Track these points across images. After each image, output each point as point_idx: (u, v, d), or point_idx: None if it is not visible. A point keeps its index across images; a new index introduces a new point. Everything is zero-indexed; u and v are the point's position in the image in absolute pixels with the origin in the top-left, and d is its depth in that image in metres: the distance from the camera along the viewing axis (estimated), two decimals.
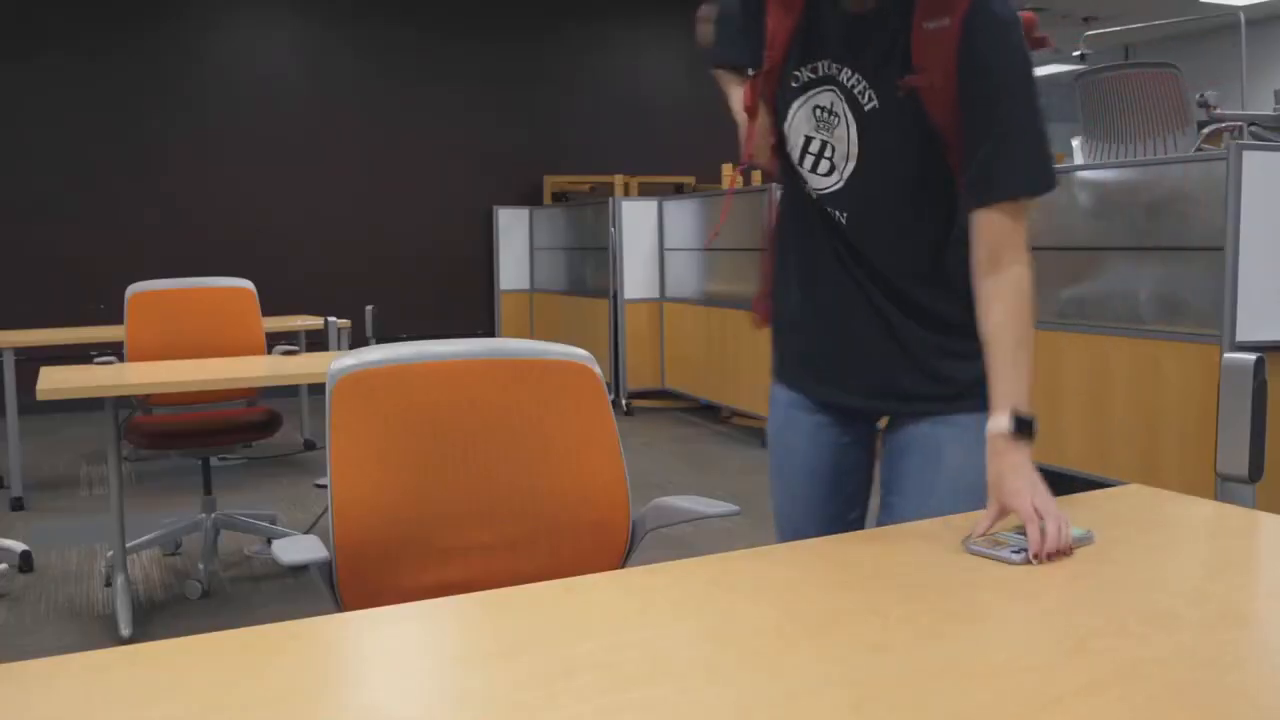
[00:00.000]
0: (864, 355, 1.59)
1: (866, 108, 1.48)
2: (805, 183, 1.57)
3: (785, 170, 1.61)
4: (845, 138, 1.50)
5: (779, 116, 1.57)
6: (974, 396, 1.44)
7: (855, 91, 1.48)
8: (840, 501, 1.68)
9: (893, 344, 1.56)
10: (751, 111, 1.58)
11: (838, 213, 1.55)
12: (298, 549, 1.46)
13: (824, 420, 1.66)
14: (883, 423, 1.66)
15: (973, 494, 1.38)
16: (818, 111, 1.51)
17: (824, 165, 1.53)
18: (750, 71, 1.59)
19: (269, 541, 3.86)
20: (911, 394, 1.57)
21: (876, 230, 1.55)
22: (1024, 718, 0.82)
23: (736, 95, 1.63)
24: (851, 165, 1.51)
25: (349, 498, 1.58)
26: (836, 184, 1.53)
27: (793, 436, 1.69)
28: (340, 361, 1.58)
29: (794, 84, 1.53)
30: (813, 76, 1.51)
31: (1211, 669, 0.91)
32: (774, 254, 1.72)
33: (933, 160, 1.46)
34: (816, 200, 1.57)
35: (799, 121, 1.54)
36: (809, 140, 1.53)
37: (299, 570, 1.60)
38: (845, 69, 1.48)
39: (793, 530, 1.71)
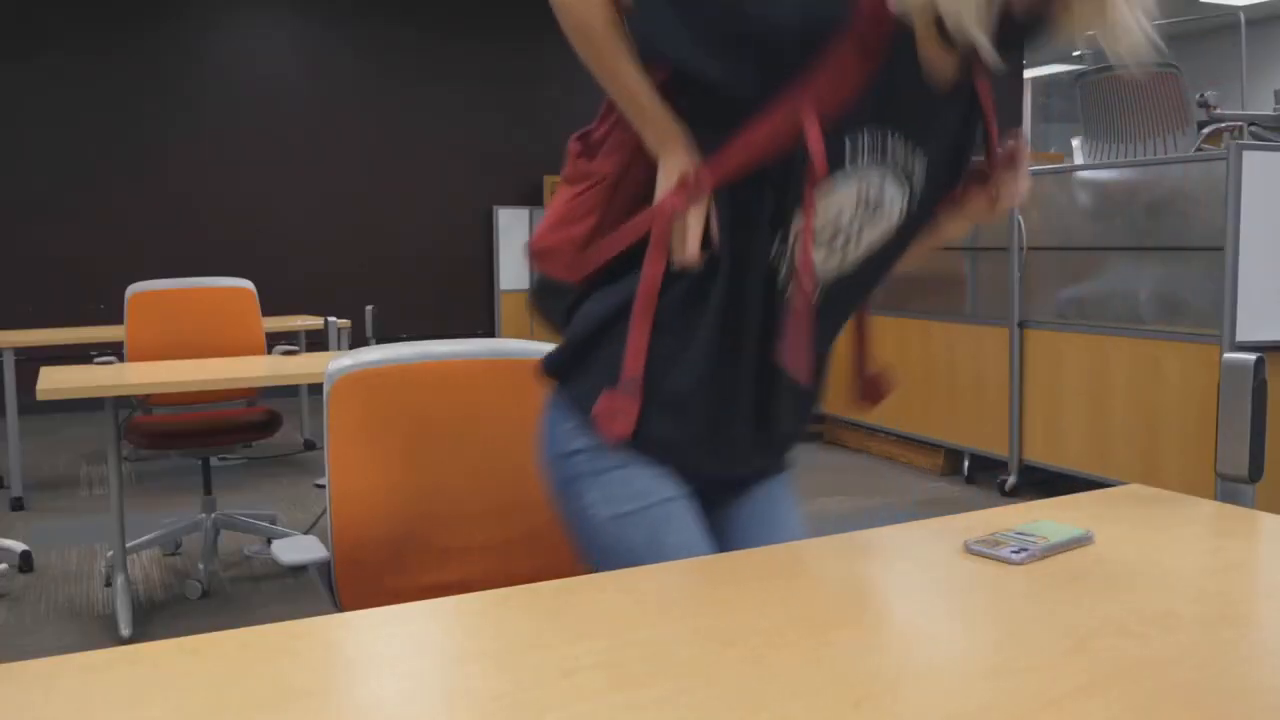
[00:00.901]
0: (778, 429, 1.39)
1: (918, 201, 1.26)
2: (769, 255, 1.24)
3: (733, 236, 1.24)
4: (877, 231, 1.25)
5: (787, 176, 1.18)
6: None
7: (914, 180, 1.24)
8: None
9: (802, 414, 1.43)
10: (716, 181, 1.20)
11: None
12: (297, 549, 1.47)
13: (690, 491, 1.37)
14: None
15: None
16: (863, 194, 1.21)
17: (822, 252, 1.25)
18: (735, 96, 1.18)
19: (269, 541, 3.86)
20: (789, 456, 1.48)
21: (834, 317, 1.34)
22: (1024, 718, 0.82)
23: (676, 148, 1.22)
24: (857, 256, 1.27)
25: (347, 498, 1.58)
26: (827, 271, 1.27)
27: (675, 523, 1.34)
28: (338, 362, 1.58)
29: (845, 148, 1.18)
30: (871, 146, 1.19)
31: (1211, 669, 0.91)
32: (654, 326, 1.26)
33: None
34: (770, 273, 1.25)
35: (837, 201, 1.20)
36: (833, 228, 1.23)
37: (298, 570, 1.60)
38: (915, 148, 1.22)
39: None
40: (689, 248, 1.21)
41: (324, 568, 1.51)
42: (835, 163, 1.17)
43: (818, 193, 1.18)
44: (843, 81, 1.14)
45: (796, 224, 1.21)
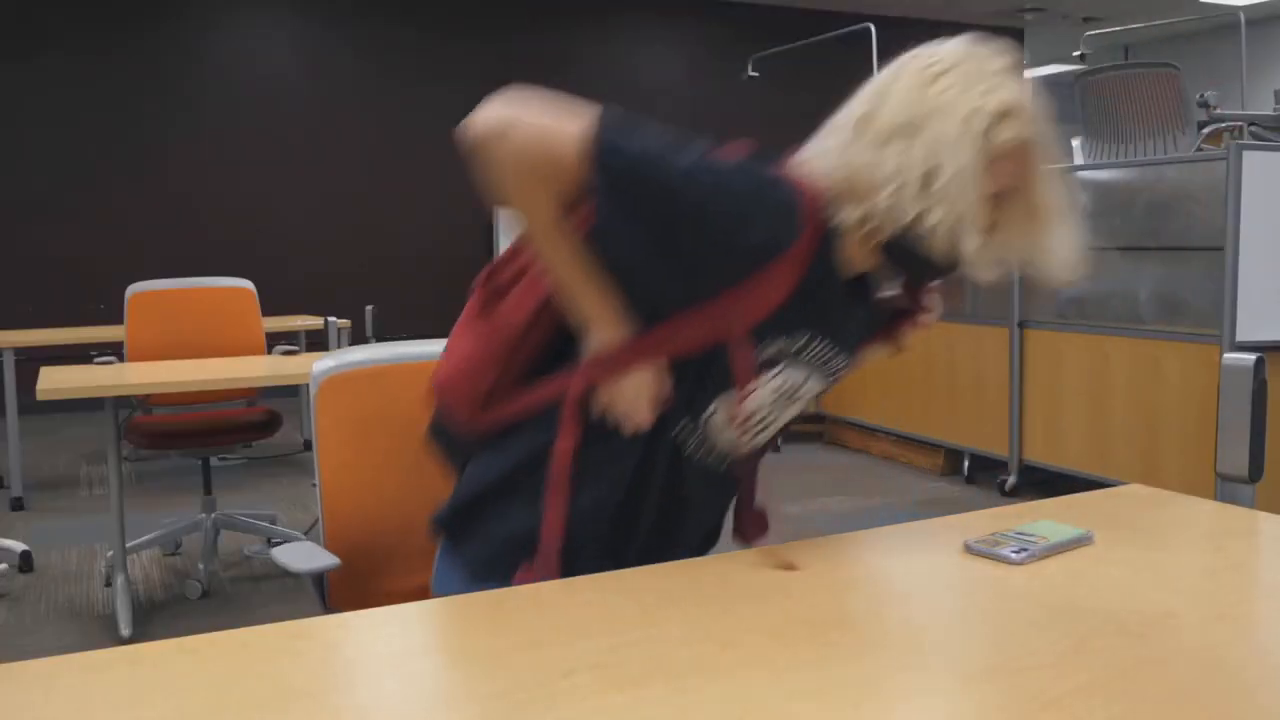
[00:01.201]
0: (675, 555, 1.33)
1: (832, 381, 1.32)
2: (677, 430, 1.26)
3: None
4: (792, 412, 1.30)
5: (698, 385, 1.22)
6: None
7: (831, 369, 1.29)
8: None
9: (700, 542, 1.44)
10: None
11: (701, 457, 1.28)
12: (304, 557, 1.45)
13: None
14: None
15: None
16: (783, 388, 1.25)
17: (738, 433, 1.27)
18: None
19: (269, 541, 3.86)
20: None
21: (740, 473, 1.36)
22: (1024, 718, 0.82)
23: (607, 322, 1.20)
24: (769, 435, 1.30)
25: (338, 501, 1.58)
26: (739, 446, 1.29)
27: None
28: (322, 364, 1.56)
29: (770, 352, 1.21)
30: (793, 348, 1.23)
31: (1211, 669, 0.91)
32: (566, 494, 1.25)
33: None
34: (681, 449, 1.27)
35: (759, 396, 1.24)
36: (752, 417, 1.26)
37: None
38: (833, 344, 1.27)
39: None
40: (643, 413, 1.20)
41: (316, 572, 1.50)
42: (760, 368, 1.21)
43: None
44: (773, 292, 1.17)
45: (709, 409, 1.24)
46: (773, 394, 1.24)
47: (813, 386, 1.28)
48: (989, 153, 1.14)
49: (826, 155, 1.20)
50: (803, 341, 1.23)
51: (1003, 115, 1.15)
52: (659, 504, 1.29)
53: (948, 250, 1.15)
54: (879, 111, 1.17)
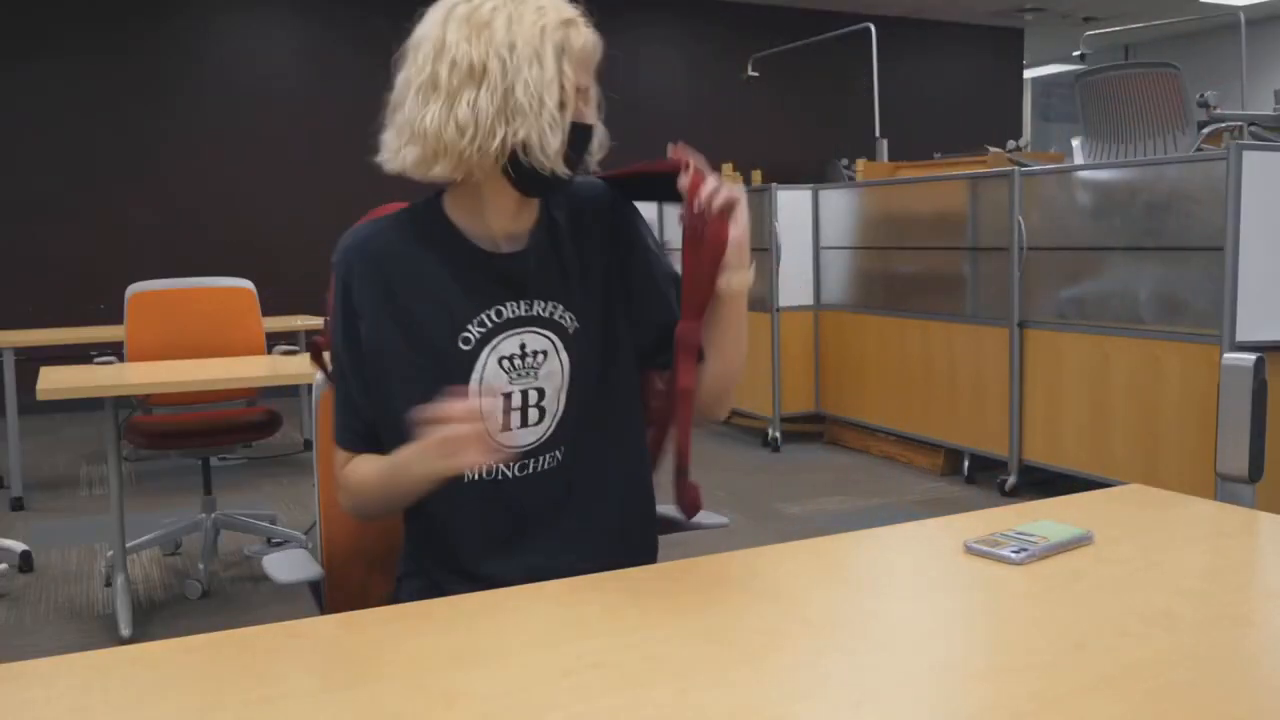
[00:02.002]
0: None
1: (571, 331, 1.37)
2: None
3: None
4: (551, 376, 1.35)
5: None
6: None
7: (554, 317, 1.36)
8: None
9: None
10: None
11: (541, 461, 1.36)
12: (289, 567, 1.45)
13: None
14: None
15: None
16: (506, 362, 1.33)
17: (533, 414, 1.34)
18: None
19: (269, 541, 3.86)
20: None
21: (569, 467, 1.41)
22: (1024, 718, 0.82)
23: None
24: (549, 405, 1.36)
25: (335, 508, 1.58)
26: (546, 431, 1.35)
27: None
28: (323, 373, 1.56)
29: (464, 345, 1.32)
30: (493, 329, 1.33)
31: (1211, 669, 0.91)
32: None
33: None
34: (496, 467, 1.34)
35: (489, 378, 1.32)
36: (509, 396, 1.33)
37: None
38: (525, 301, 1.35)
39: None
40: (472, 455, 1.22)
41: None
42: (467, 360, 1.33)
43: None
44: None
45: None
46: (504, 369, 1.32)
47: (552, 342, 1.34)
48: (567, 59, 1.27)
49: (402, 133, 1.28)
50: (506, 316, 1.33)
51: (567, 24, 1.29)
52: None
53: (555, 157, 1.26)
54: (440, 70, 1.25)
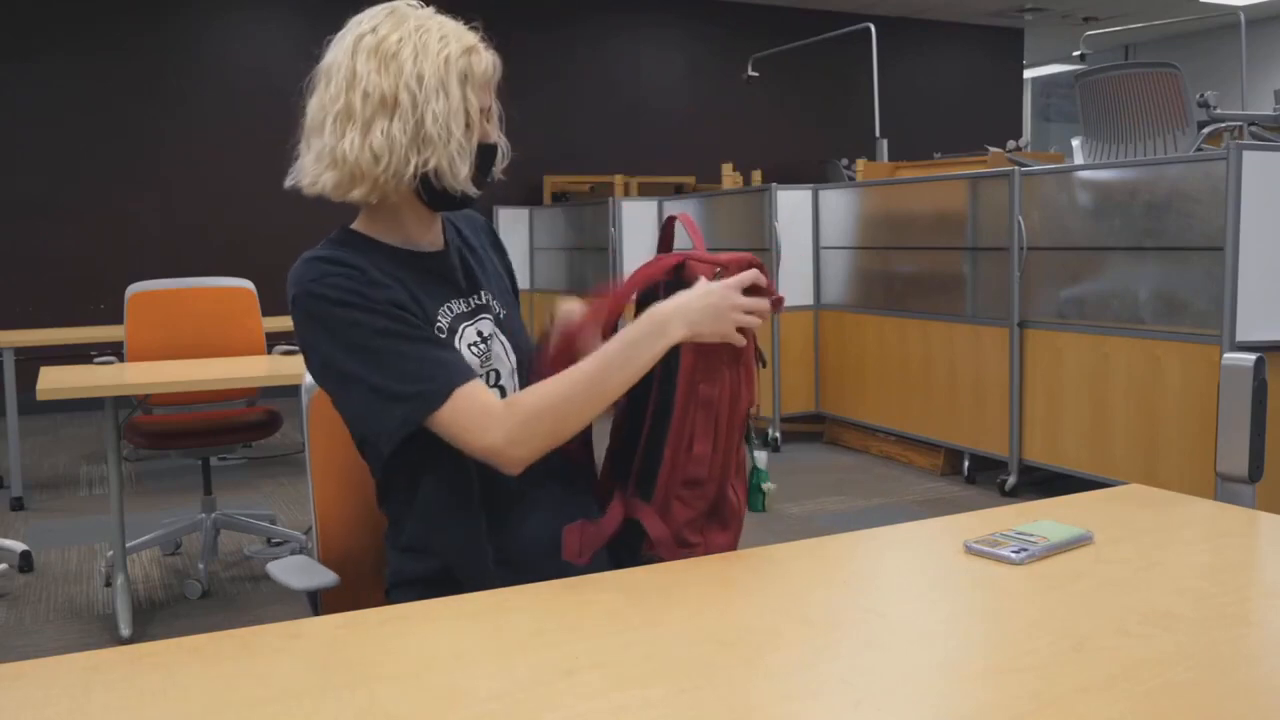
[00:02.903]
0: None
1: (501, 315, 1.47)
2: None
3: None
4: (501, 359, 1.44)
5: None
6: None
7: (492, 308, 1.47)
8: None
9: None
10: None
11: None
12: (300, 573, 1.44)
13: None
14: None
15: None
16: (473, 348, 1.41)
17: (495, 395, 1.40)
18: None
19: (269, 541, 3.86)
20: None
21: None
22: (1024, 718, 0.82)
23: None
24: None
25: (330, 507, 1.58)
26: None
27: None
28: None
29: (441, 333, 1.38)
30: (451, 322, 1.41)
31: (1211, 669, 0.91)
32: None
33: None
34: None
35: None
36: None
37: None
38: (466, 298, 1.44)
39: None
40: None
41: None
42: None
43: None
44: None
45: None
46: (474, 354, 1.40)
47: (493, 328, 1.44)
48: (471, 85, 1.34)
49: (320, 160, 1.37)
50: (456, 310, 1.41)
51: (469, 52, 1.35)
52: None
53: (464, 181, 1.35)
54: (354, 99, 1.33)
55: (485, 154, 1.39)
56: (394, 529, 1.44)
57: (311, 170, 1.37)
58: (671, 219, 1.50)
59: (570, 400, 1.30)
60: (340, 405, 1.36)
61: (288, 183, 1.42)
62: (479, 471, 1.36)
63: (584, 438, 1.46)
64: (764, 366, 1.41)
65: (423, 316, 1.37)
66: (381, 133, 1.31)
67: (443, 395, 1.28)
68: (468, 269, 1.47)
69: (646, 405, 1.35)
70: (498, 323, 1.46)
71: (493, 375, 1.42)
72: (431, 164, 1.32)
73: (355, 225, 1.45)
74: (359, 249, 1.40)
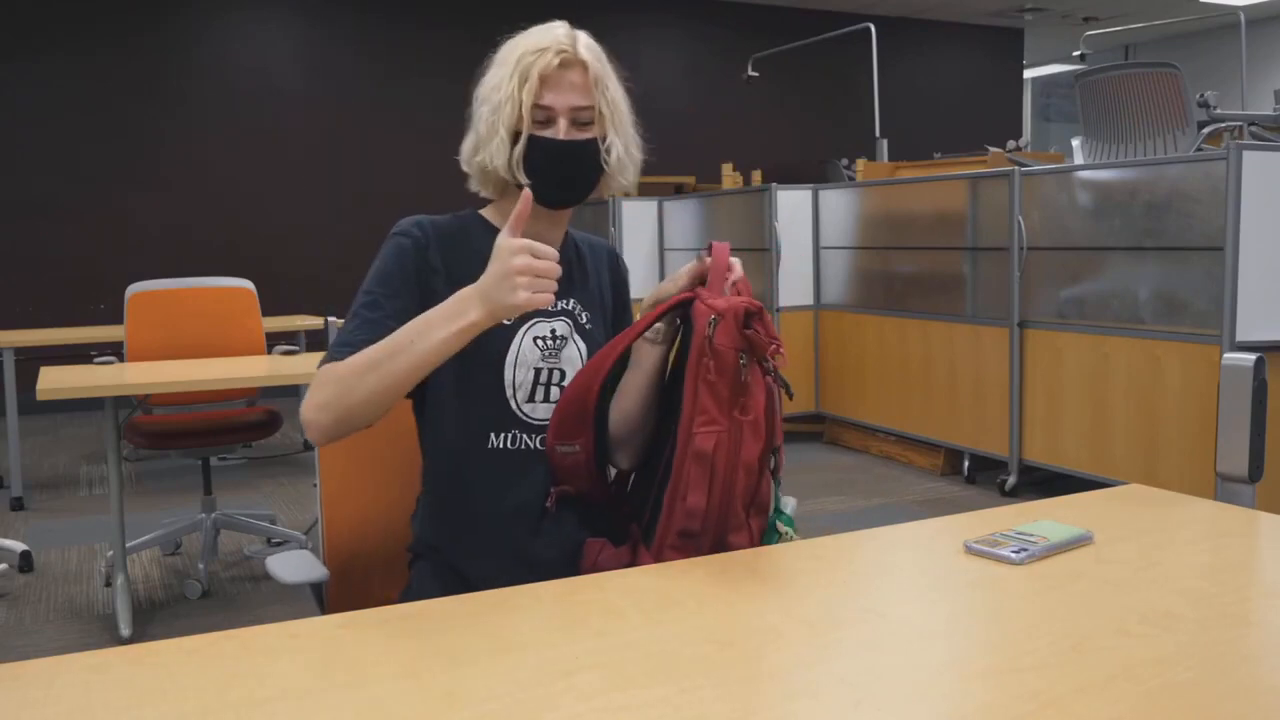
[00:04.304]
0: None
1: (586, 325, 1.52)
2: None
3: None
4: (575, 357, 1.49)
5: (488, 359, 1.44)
6: None
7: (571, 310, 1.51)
8: None
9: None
10: None
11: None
12: (295, 568, 1.45)
13: None
14: None
15: None
16: (541, 341, 1.46)
17: (554, 392, 1.47)
18: None
19: (269, 541, 3.86)
20: None
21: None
22: (1024, 718, 0.82)
23: None
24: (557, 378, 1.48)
25: (337, 506, 1.58)
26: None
27: None
28: None
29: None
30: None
31: (1211, 669, 0.91)
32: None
33: None
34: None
35: (525, 354, 1.46)
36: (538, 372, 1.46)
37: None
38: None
39: None
40: None
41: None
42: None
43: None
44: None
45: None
46: (538, 346, 1.46)
47: (571, 330, 1.49)
48: (527, 87, 1.39)
49: (462, 154, 1.50)
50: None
51: (538, 53, 1.41)
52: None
53: (511, 168, 1.41)
54: (474, 103, 1.47)
55: (536, 148, 1.41)
56: (429, 483, 1.51)
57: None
58: (709, 247, 1.47)
59: (355, 371, 1.30)
60: None
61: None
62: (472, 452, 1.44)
63: (602, 480, 1.47)
64: (790, 398, 1.39)
65: None
66: (471, 133, 1.46)
67: (333, 354, 1.37)
68: (569, 276, 1.49)
69: (667, 445, 1.35)
70: (579, 329, 1.50)
71: (559, 374, 1.46)
72: (482, 159, 1.43)
73: (483, 210, 1.54)
74: (463, 224, 1.50)
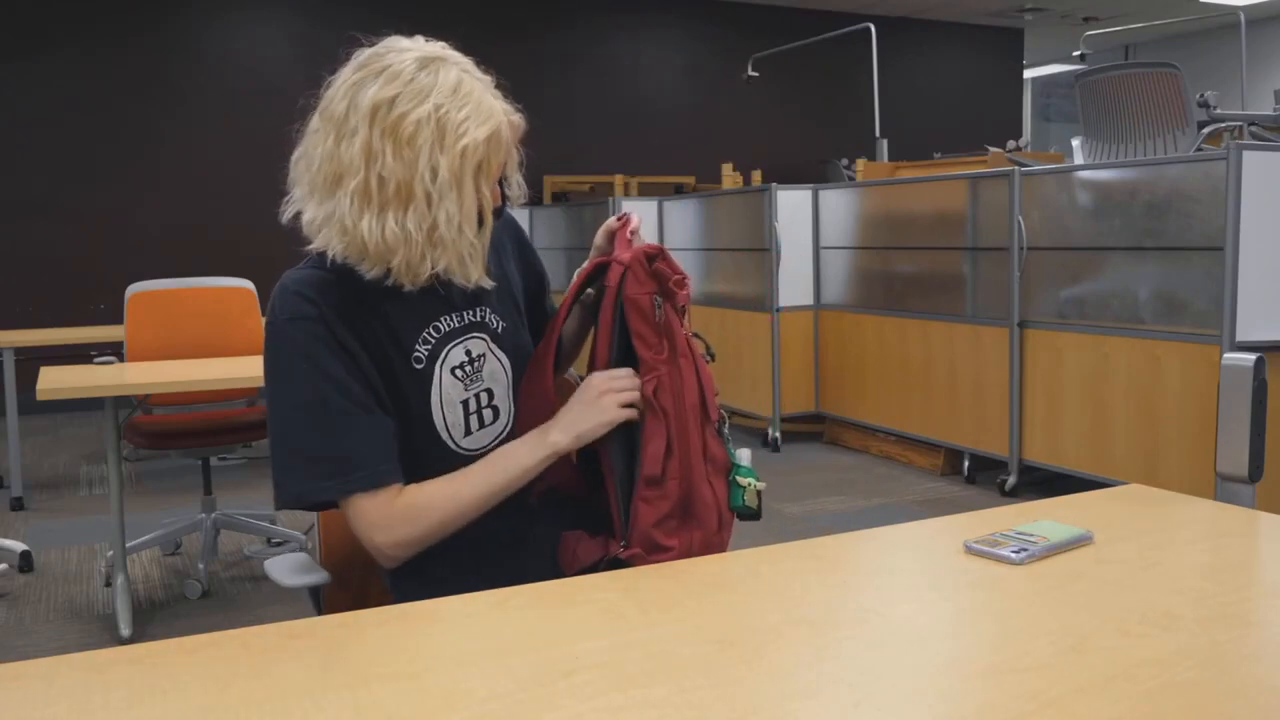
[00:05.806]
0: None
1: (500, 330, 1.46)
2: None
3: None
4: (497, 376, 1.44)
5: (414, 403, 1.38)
6: None
7: (493, 327, 1.45)
8: None
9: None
10: None
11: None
12: (293, 570, 1.45)
13: None
14: None
15: None
16: (458, 371, 1.41)
17: (488, 415, 1.43)
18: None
19: (269, 541, 3.86)
20: None
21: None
22: (1024, 718, 0.82)
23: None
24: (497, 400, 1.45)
25: (333, 511, 1.58)
26: (505, 428, 1.44)
27: None
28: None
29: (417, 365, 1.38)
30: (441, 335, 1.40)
31: (1211, 669, 0.91)
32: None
33: None
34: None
35: (447, 389, 1.39)
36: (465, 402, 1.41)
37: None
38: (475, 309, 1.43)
39: None
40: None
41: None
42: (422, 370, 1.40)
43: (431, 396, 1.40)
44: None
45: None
46: (457, 378, 1.40)
47: (487, 343, 1.43)
48: (485, 176, 1.32)
49: (331, 222, 1.32)
50: (444, 329, 1.40)
51: (489, 141, 1.30)
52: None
53: (475, 278, 1.34)
54: (372, 180, 1.27)
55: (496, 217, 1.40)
56: None
57: (320, 228, 1.34)
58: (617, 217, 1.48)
59: (446, 520, 1.33)
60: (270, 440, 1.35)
61: (285, 218, 1.42)
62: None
63: (579, 474, 1.44)
64: (711, 360, 1.42)
65: (397, 352, 1.36)
66: (396, 223, 1.27)
67: (370, 483, 1.30)
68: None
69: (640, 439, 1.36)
70: (494, 338, 1.44)
71: (485, 395, 1.42)
72: (441, 265, 1.31)
73: (329, 254, 1.38)
74: (344, 275, 1.34)
